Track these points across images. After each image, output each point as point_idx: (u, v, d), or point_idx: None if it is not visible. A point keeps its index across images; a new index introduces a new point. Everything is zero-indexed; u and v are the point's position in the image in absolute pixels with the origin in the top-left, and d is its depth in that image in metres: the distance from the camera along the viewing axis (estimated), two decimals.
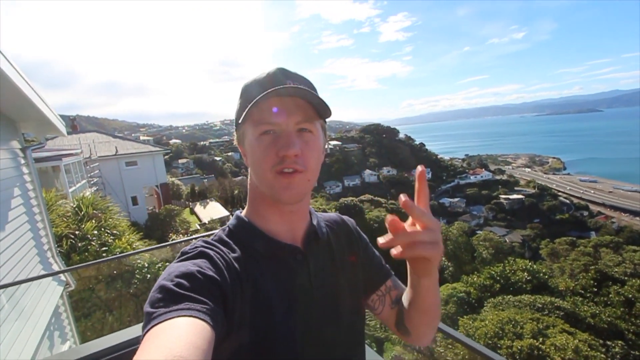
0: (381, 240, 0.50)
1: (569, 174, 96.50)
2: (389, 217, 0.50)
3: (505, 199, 61.65)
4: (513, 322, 7.33)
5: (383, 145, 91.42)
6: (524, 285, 10.63)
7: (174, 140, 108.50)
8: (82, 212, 6.51)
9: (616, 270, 14.38)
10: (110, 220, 7.01)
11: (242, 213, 0.72)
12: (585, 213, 57.64)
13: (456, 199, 65.05)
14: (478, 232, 29.33)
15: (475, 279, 11.75)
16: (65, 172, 12.11)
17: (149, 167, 20.74)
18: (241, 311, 0.56)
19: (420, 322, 0.72)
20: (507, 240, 30.61)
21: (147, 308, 0.48)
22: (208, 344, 0.43)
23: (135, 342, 1.88)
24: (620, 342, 7.93)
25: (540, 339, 6.54)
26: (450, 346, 7.28)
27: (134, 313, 5.29)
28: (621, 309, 10.13)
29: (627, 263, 16.03)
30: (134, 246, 6.94)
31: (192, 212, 26.46)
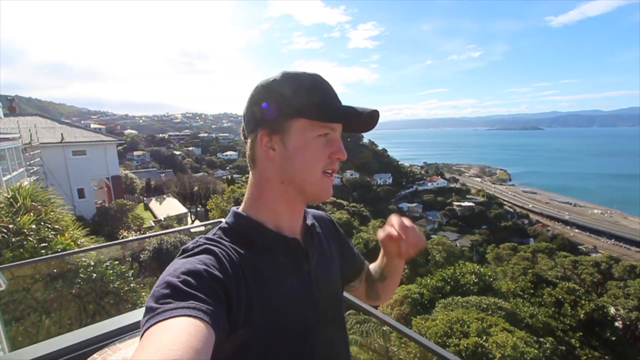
0: (394, 232, 0.75)
1: (513, 184, 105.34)
2: (396, 221, 0.77)
3: (457, 205, 65.78)
4: (461, 322, 7.80)
5: (347, 148, 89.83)
6: (472, 287, 11.37)
7: (129, 131, 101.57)
8: (18, 204, 5.85)
9: (549, 273, 15.94)
10: (52, 213, 6.36)
11: (240, 209, 0.70)
12: (526, 221, 63.31)
13: (414, 204, 68.15)
14: (432, 236, 30.87)
15: (428, 280, 12.33)
16: None
17: (100, 157, 19.19)
18: (247, 309, 0.55)
19: (391, 288, 0.94)
20: (458, 245, 32.58)
21: (150, 303, 0.47)
22: (207, 348, 0.42)
23: (75, 349, 1.71)
24: (550, 338, 8.80)
25: (484, 337, 7.04)
26: (403, 345, 7.59)
27: (76, 315, 4.86)
28: (552, 308, 11.25)
29: (559, 267, 17.84)
30: (79, 243, 6.38)
31: (147, 208, 24.98)
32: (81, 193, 18.22)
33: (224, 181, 42.78)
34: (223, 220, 0.71)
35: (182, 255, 0.57)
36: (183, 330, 0.41)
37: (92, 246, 6.39)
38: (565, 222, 65.59)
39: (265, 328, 0.57)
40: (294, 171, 0.65)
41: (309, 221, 0.77)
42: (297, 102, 0.63)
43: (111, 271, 5.76)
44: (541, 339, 8.50)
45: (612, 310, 11.56)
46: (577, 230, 61.77)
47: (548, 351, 8.36)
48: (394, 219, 0.77)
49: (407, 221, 0.77)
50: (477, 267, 12.72)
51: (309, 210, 0.82)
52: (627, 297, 13.04)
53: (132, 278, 6.11)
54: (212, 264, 0.54)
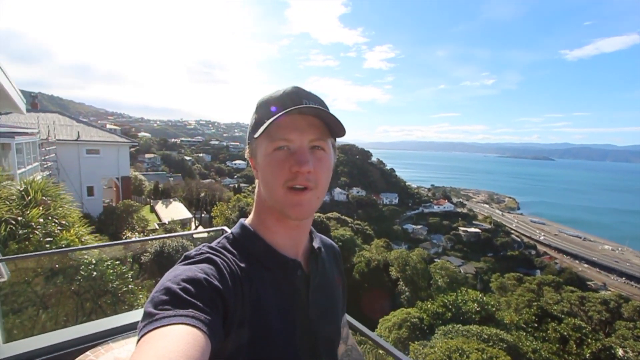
0: None
1: (522, 214, 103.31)
2: None
3: (463, 231, 64.59)
4: (460, 351, 7.55)
5: (355, 165, 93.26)
6: (473, 316, 11.04)
7: (143, 134, 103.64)
8: (29, 197, 5.98)
9: (555, 308, 15.43)
10: (60, 209, 6.48)
11: (247, 222, 0.71)
12: (533, 252, 61.65)
13: (419, 226, 67.21)
14: (436, 260, 30.35)
15: (429, 305, 12.03)
16: (16, 152, 11.14)
17: (112, 157, 19.59)
18: (240, 322, 0.55)
19: None
20: (462, 271, 31.88)
21: (148, 308, 0.46)
22: (204, 358, 0.42)
23: (70, 346, 1.72)
24: None
25: None
26: None
27: (73, 312, 4.86)
28: (557, 345, 10.82)
29: (565, 302, 17.28)
30: (83, 240, 6.45)
31: (152, 210, 25.19)
32: (90, 191, 18.51)
33: (230, 189, 43.09)
34: (226, 228, 0.73)
35: (184, 262, 0.57)
36: (181, 339, 0.41)
37: (95, 244, 6.46)
38: (574, 256, 63.73)
39: (254, 346, 0.56)
40: (263, 189, 0.66)
41: (316, 244, 0.74)
42: (253, 123, 0.66)
43: (111, 271, 5.78)
44: None
45: (620, 352, 11.06)
46: (586, 265, 59.84)
47: None
48: None
49: None
50: (480, 295, 12.40)
51: (319, 234, 0.81)
52: (637, 339, 12.49)
53: (131, 279, 6.12)
54: (213, 273, 0.54)
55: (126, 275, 6.00)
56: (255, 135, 0.62)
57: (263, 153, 0.64)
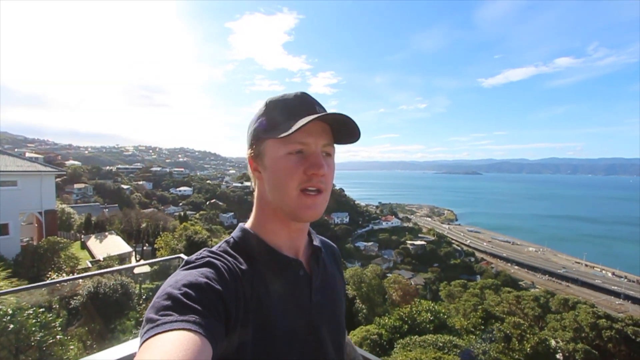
0: None
1: (459, 224, 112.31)
2: None
3: (411, 244, 67.90)
4: None
5: None
6: (428, 325, 11.48)
7: (71, 162, 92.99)
8: None
9: (497, 309, 16.74)
10: None
11: (247, 225, 0.71)
12: (473, 259, 66.90)
13: (370, 243, 69.16)
14: (388, 274, 31.27)
15: (386, 320, 12.25)
16: None
17: (34, 189, 17.20)
18: (243, 324, 0.55)
19: None
20: (413, 283, 33.20)
21: (150, 314, 0.46)
22: None
23: None
24: None
25: None
26: None
27: None
28: (502, 344, 11.67)
29: (504, 303, 18.82)
30: None
31: (84, 247, 22.42)
32: (4, 229, 15.90)
33: (175, 218, 40.20)
34: (183, 255, 0.71)
35: (184, 267, 0.57)
36: (181, 345, 0.41)
37: (10, 289, 5.54)
38: (506, 260, 70.55)
39: (258, 348, 0.57)
40: (271, 191, 0.66)
41: (317, 243, 0.76)
42: (266, 124, 0.67)
43: (34, 320, 4.97)
44: None
45: (553, 342, 12.30)
46: (516, 267, 66.46)
47: None
48: None
49: None
50: (432, 304, 12.99)
51: (318, 235, 0.82)
52: (564, 329, 14.03)
53: (60, 328, 5.31)
54: (214, 277, 0.54)
55: (53, 324, 5.20)
56: (281, 136, 0.62)
57: (274, 156, 0.64)
